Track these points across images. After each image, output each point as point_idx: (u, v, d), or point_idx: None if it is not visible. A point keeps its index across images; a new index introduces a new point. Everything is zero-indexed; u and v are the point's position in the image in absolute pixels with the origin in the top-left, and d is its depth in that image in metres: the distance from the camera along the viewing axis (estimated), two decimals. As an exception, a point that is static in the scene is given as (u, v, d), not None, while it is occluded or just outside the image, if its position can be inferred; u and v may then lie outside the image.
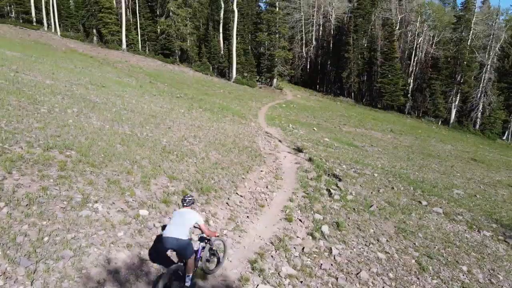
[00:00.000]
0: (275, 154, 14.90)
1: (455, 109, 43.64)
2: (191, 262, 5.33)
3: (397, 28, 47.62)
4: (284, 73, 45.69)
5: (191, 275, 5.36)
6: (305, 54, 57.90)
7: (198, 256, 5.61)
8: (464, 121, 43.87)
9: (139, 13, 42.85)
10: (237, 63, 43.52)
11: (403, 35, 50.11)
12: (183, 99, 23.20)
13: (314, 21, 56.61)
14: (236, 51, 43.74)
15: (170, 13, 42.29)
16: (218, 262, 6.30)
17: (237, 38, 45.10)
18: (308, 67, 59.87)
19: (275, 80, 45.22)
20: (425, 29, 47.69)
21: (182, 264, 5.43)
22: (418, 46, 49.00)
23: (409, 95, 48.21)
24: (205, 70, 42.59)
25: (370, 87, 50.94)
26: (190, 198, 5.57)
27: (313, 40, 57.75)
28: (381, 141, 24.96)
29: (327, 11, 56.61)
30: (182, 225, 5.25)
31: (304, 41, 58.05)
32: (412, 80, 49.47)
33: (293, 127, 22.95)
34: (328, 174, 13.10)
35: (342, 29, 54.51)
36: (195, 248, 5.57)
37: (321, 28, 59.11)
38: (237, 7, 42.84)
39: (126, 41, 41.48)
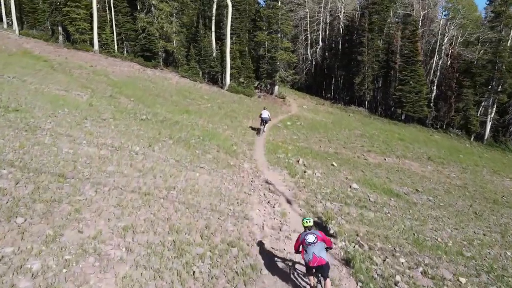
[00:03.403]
0: (281, 245, 8.07)
1: (490, 122, 36.83)
2: None
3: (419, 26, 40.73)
4: (287, 78, 38.82)
5: None
6: (310, 56, 51.06)
7: None
8: (501, 136, 37.06)
9: (115, 7, 35.98)
10: (231, 67, 36.67)
11: (425, 34, 43.28)
12: (149, 123, 16.34)
13: (321, 18, 49.75)
14: (231, 53, 36.89)
15: (152, 8, 35.43)
16: None
17: (232, 38, 38.25)
18: (313, 71, 53.04)
19: (276, 87, 38.35)
20: (451, 28, 40.85)
21: None
22: (442, 47, 42.16)
23: (431, 104, 41.39)
24: (194, 76, 35.72)
25: (386, 95, 44.10)
26: None
27: (320, 40, 50.90)
28: (424, 179, 18.10)
29: (335, 7, 49.79)
30: None
31: (309, 42, 51.22)
32: (435, 87, 42.62)
33: (305, 164, 16.09)
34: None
35: (353, 27, 47.71)
36: None
37: (328, 27, 52.29)
38: (231, 1, 36.00)
39: (99, 41, 34.60)
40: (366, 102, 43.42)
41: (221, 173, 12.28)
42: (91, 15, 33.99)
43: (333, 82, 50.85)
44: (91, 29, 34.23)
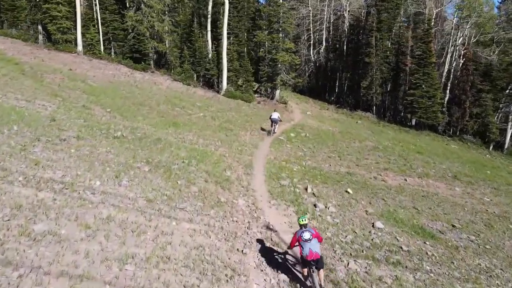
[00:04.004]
0: None
1: (511, 130, 33.79)
2: None
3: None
4: (289, 82, 35.78)
5: None
6: (313, 58, 48.05)
7: None
8: (523, 146, 34.08)
9: (101, 4, 32.95)
10: (229, 70, 33.66)
11: (437, 34, 40.25)
12: (124, 143, 13.29)
13: (325, 17, 46.75)
14: (228, 54, 33.90)
15: (142, 5, 32.40)
16: None
17: (229, 38, 35.26)
18: (316, 73, 50.02)
19: (277, 91, 35.31)
20: (467, 27, 37.81)
21: None
22: (456, 48, 39.12)
23: (444, 109, 38.35)
24: (187, 80, 32.68)
25: (396, 99, 41.09)
26: None
27: (323, 40, 47.87)
28: (457, 208, 15.03)
29: (340, 5, 46.77)
30: None
31: (312, 42, 48.23)
32: (447, 91, 39.58)
33: (315, 192, 13.07)
34: None
35: (359, 27, 44.74)
36: None
37: (331, 27, 49.29)
38: (228, -3, 33.04)
39: (84, 41, 31.56)
40: (374, 107, 40.35)
41: (207, 217, 9.26)
42: (75, 13, 30.95)
43: (337, 85, 47.84)
44: (75, 28, 31.20)
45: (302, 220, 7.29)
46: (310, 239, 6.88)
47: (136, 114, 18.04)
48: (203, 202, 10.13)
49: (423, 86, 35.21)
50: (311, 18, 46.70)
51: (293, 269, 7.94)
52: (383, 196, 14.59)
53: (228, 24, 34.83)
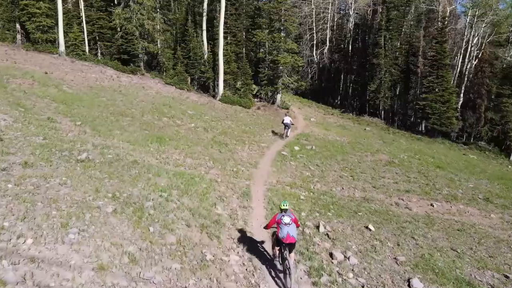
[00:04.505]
0: None
1: (533, 139, 31.06)
2: None
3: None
4: (291, 85, 33.01)
5: None
6: (316, 59, 45.26)
7: None
8: (546, 155, 31.28)
9: (85, 1, 30.16)
10: (225, 73, 30.88)
11: (450, 34, 37.46)
12: (87, 169, 10.47)
13: (329, 16, 43.95)
14: (225, 55, 31.13)
15: (131, 2, 29.61)
16: None
17: (226, 38, 32.48)
18: (318, 75, 47.24)
19: (279, 96, 32.52)
20: (483, 26, 35.05)
21: None
22: (472, 48, 36.35)
23: (457, 114, 35.60)
24: (180, 83, 29.90)
25: (405, 104, 38.34)
26: None
27: (327, 40, 45.08)
28: (502, 246, 12.24)
29: (344, 3, 44.03)
30: None
31: (314, 42, 45.44)
32: (461, 94, 36.81)
33: (329, 233, 10.30)
34: None
35: (365, 26, 42.04)
36: None
37: (335, 25, 46.54)
38: (225, -7, 30.26)
39: (67, 41, 28.79)
40: (382, 112, 37.57)
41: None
42: (56, 10, 28.16)
43: (341, 88, 45.08)
44: (57, 26, 28.42)
45: (284, 205, 7.62)
46: (289, 223, 7.25)
47: (113, 128, 15.22)
48: (181, 262, 7.34)
49: (437, 89, 32.46)
50: (314, 16, 43.94)
51: None
52: (412, 232, 11.78)
53: (225, 23, 32.08)
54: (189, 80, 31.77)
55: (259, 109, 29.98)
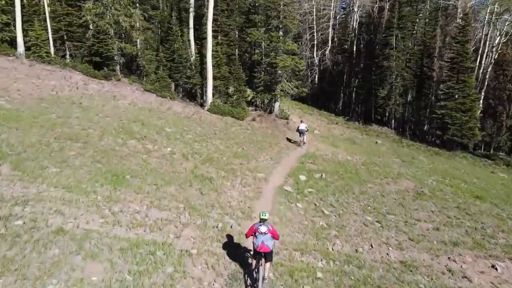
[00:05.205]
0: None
1: None
2: None
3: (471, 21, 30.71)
4: (291, 91, 28.81)
5: None
6: (317, 61, 41.08)
7: None
8: None
9: (49, -6, 25.69)
10: (215, 78, 26.58)
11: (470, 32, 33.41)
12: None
13: (331, 13, 39.79)
14: (216, 57, 26.85)
15: (103, -5, 25.19)
16: None
17: (216, 38, 28.24)
18: (318, 78, 43.07)
19: (277, 104, 28.28)
20: (506, 24, 31.09)
21: None
22: (493, 49, 32.41)
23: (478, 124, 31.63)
24: (162, 90, 25.54)
25: (418, 112, 34.31)
26: None
27: (329, 40, 40.92)
28: None
29: (348, -1, 39.93)
30: None
31: (315, 42, 41.26)
32: (481, 100, 32.84)
33: None
34: None
35: (371, 24, 37.97)
36: None
37: (337, 24, 42.42)
38: (214, -15, 25.93)
39: (27, 41, 24.29)
40: (393, 121, 33.47)
41: None
42: (13, 4, 23.68)
43: (346, 92, 40.95)
44: (11, 24, 23.96)
45: (263, 215, 7.63)
46: (265, 233, 7.36)
47: (51, 162, 10.85)
48: None
49: (456, 96, 28.43)
50: (314, 14, 39.76)
51: None
52: None
53: (216, 20, 27.82)
54: (173, 87, 27.42)
55: (254, 120, 25.71)
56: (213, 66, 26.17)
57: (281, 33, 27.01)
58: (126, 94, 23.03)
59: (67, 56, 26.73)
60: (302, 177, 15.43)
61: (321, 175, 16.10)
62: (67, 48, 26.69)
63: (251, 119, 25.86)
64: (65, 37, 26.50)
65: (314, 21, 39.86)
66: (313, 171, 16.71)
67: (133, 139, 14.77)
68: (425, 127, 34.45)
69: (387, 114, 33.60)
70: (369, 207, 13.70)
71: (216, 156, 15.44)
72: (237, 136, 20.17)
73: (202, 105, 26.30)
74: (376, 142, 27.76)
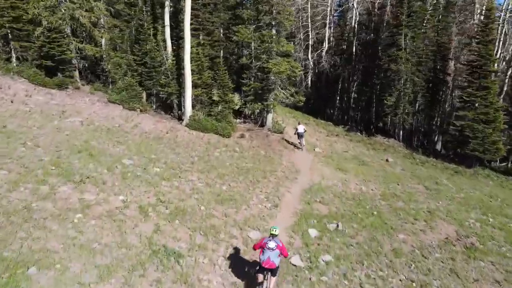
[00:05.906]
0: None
1: None
2: None
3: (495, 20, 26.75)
4: (286, 100, 24.46)
5: None
6: (312, 64, 36.85)
7: None
8: None
9: (-13, -18, 20.67)
10: (196, 85, 22.03)
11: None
12: None
13: (328, 9, 35.60)
14: (196, 61, 22.32)
15: (55, -16, 20.34)
16: None
17: (198, 37, 23.66)
18: (315, 82, 38.88)
19: (270, 116, 23.89)
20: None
21: None
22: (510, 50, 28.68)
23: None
24: (131, 101, 20.89)
25: (429, 121, 30.38)
26: None
27: (325, 40, 36.73)
28: None
29: (347, -6, 35.84)
30: None
31: (310, 42, 37.02)
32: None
33: None
34: None
35: (371, 22, 33.99)
36: None
37: (333, 21, 38.27)
38: (193, -27, 21.35)
39: (-42, 41, 19.28)
40: (401, 132, 29.40)
41: None
42: None
43: (343, 98, 36.86)
44: None
45: (273, 230, 7.40)
46: (273, 249, 7.13)
47: None
48: None
49: (477, 104, 24.54)
50: (309, 10, 35.49)
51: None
52: None
53: (196, 16, 23.29)
54: (145, 96, 22.74)
55: (243, 137, 21.23)
56: (193, 71, 21.62)
57: (274, 31, 22.65)
58: (82, 107, 18.26)
59: (14, 59, 21.75)
60: (313, 232, 11.01)
61: (337, 226, 11.72)
62: (13, 49, 21.69)
63: (239, 135, 21.38)
64: (10, 36, 21.50)
65: (309, 19, 35.62)
66: (324, 217, 12.31)
67: (67, 184, 10.10)
68: (435, 137, 30.54)
69: (398, 125, 29.52)
70: (414, 284, 9.38)
71: (191, 204, 10.88)
72: (222, 163, 15.63)
73: (180, 119, 21.72)
74: (387, 160, 23.59)
